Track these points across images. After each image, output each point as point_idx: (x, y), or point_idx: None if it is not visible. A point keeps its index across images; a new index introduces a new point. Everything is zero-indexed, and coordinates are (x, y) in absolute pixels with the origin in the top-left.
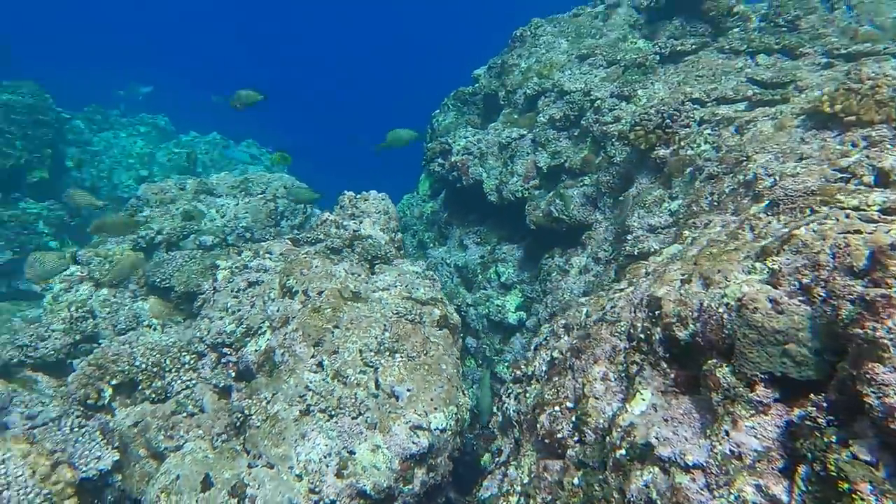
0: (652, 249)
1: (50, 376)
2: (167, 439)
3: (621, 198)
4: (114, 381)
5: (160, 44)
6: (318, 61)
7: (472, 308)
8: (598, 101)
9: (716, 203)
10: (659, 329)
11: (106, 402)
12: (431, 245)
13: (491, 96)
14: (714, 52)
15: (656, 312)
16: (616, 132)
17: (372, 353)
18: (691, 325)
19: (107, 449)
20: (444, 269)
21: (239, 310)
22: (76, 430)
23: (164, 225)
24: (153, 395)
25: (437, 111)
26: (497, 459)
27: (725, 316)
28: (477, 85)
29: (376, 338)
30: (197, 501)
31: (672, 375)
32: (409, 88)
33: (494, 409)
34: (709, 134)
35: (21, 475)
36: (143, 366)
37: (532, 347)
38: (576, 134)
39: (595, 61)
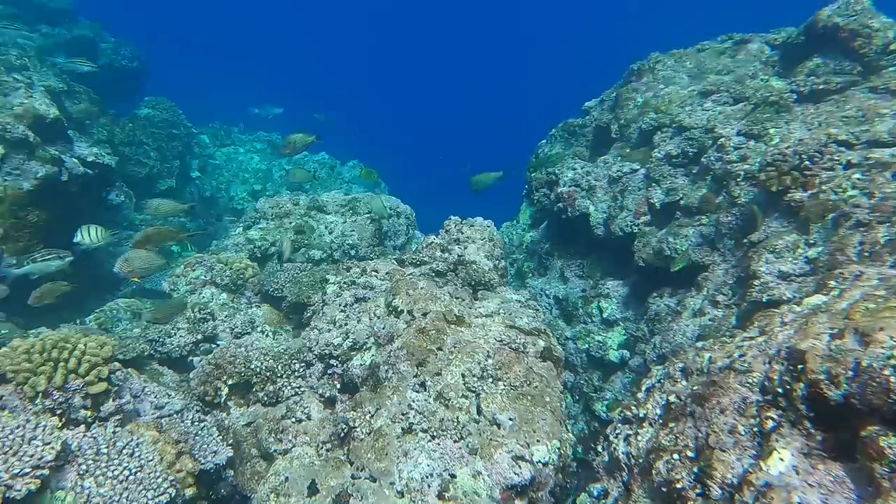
0: (784, 298)
1: (174, 371)
2: (277, 442)
3: (745, 241)
4: (230, 382)
5: (291, 67)
6: (429, 85)
7: (571, 342)
8: (723, 139)
9: (867, 253)
10: (802, 385)
11: (222, 400)
12: (531, 275)
13: (602, 129)
14: (864, 91)
15: (799, 367)
16: (742, 171)
17: (475, 379)
18: (845, 385)
19: (222, 445)
20: (544, 300)
21: (346, 324)
22: (196, 423)
23: (276, 237)
24: (265, 398)
25: (544, 141)
26: (604, 502)
27: (893, 379)
28: (587, 117)
29: (479, 363)
30: None
31: (818, 437)
32: (512, 117)
33: (600, 449)
34: (858, 178)
35: (152, 460)
36: (258, 369)
37: (643, 389)
38: (694, 171)
39: (720, 98)
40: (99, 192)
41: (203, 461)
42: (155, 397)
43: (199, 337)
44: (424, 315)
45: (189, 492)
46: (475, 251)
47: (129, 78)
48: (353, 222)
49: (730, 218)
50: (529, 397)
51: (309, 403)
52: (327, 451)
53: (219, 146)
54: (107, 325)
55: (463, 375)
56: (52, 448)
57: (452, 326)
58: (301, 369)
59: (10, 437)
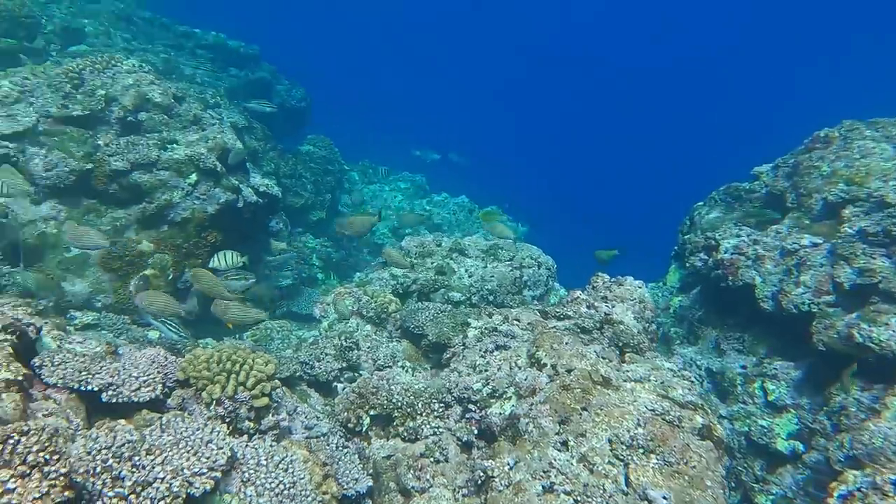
0: None
1: (319, 394)
2: (415, 479)
3: None
4: (372, 412)
5: (445, 113)
6: (580, 138)
7: (728, 421)
8: None
9: None
10: None
11: (363, 429)
12: (678, 341)
13: (775, 197)
14: None
15: None
16: None
17: (623, 447)
18: None
19: (363, 473)
20: (694, 371)
21: (486, 370)
22: (340, 448)
23: (418, 275)
24: (405, 434)
25: (701, 203)
26: None
27: None
28: (757, 182)
29: (628, 431)
30: None
31: None
32: (662, 174)
33: None
34: None
35: (303, 478)
36: (399, 404)
37: (836, 495)
38: None
39: None
40: (265, 219)
41: (346, 486)
42: (305, 417)
43: (344, 364)
44: (569, 371)
45: None
46: (623, 311)
47: (296, 117)
48: (493, 268)
49: None
50: (687, 477)
51: (447, 445)
52: (463, 496)
53: (367, 183)
54: (262, 342)
55: (610, 441)
56: (224, 453)
57: (598, 387)
58: (440, 410)
59: (192, 437)
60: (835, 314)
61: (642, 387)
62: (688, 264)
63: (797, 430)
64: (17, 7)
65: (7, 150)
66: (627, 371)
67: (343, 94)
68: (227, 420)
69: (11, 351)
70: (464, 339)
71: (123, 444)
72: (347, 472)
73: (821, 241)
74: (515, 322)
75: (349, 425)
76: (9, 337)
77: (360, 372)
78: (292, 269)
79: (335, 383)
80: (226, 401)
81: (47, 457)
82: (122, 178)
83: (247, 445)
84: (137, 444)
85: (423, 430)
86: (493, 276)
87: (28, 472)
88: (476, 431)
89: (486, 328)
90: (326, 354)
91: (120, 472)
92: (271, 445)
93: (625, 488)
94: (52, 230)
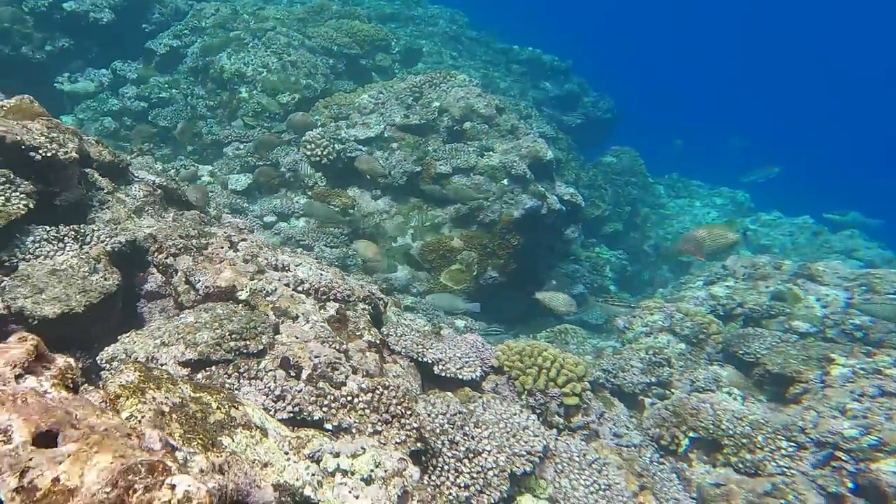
0: None
1: (623, 404)
2: None
3: None
4: (692, 434)
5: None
6: None
7: None
8: None
9: None
10: None
11: (681, 451)
12: None
13: None
14: None
15: None
16: None
17: None
18: None
19: (686, 496)
20: None
21: (865, 416)
22: (656, 464)
23: (746, 298)
24: (739, 465)
25: None
26: None
27: None
28: None
29: None
30: None
31: None
32: None
33: None
34: None
35: (619, 483)
36: (731, 432)
37: None
38: None
39: None
40: (564, 227)
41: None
42: (614, 424)
43: (653, 380)
44: None
45: None
46: None
47: (601, 127)
48: (863, 300)
49: None
50: None
51: (805, 491)
52: None
53: (674, 197)
54: (557, 345)
55: None
56: (541, 441)
57: None
58: (790, 449)
59: (510, 420)
60: None
61: None
62: None
63: None
64: (376, 32)
65: (360, 153)
66: None
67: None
68: (538, 412)
69: (369, 318)
70: (823, 377)
71: (456, 414)
72: (667, 490)
73: None
74: None
75: (661, 442)
76: (366, 307)
77: (672, 390)
78: (585, 277)
79: (641, 397)
80: (537, 393)
81: (403, 410)
82: (443, 179)
83: (557, 439)
84: (466, 416)
85: (766, 465)
86: (860, 312)
87: (390, 419)
88: (851, 486)
89: (860, 368)
90: (632, 366)
91: (454, 437)
92: (583, 444)
93: None
94: (386, 222)
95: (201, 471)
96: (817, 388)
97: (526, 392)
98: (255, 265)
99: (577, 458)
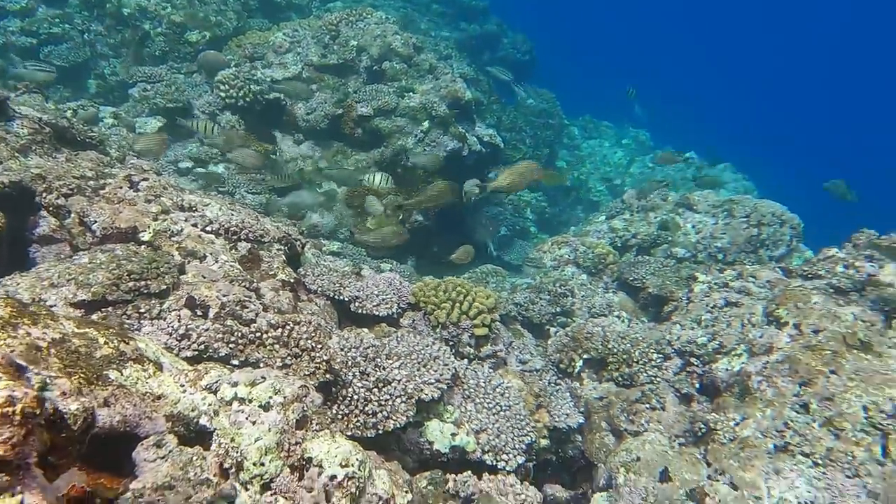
0: None
1: (532, 335)
2: (629, 422)
3: None
4: (585, 356)
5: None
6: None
7: None
8: None
9: None
10: None
11: (576, 371)
12: None
13: None
14: None
15: None
16: None
17: (884, 416)
18: None
19: (575, 410)
20: None
21: (713, 325)
22: (553, 385)
23: (639, 229)
24: (619, 379)
25: None
26: None
27: None
28: None
29: (892, 400)
30: (653, 487)
31: None
32: None
33: None
34: None
35: (518, 404)
36: (615, 350)
37: None
38: None
39: None
40: (484, 170)
41: (557, 419)
42: (520, 352)
43: (558, 310)
44: (816, 332)
45: (543, 442)
46: (894, 272)
47: (520, 69)
48: (725, 224)
49: None
50: None
51: (664, 394)
52: (680, 444)
53: (586, 138)
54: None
55: (865, 408)
56: (449, 370)
57: (854, 352)
58: (658, 360)
59: (422, 352)
60: None
61: None
62: None
63: None
64: None
65: (278, 96)
66: (894, 338)
67: (569, 49)
68: (451, 343)
69: (284, 258)
70: (688, 294)
71: (368, 347)
72: (560, 406)
73: None
74: (751, 279)
75: (561, 366)
76: (282, 247)
77: (574, 318)
78: (507, 220)
79: (548, 326)
80: (450, 326)
81: (314, 344)
82: (365, 122)
83: (468, 368)
84: (379, 349)
85: (639, 377)
86: (724, 234)
87: (300, 353)
88: (698, 386)
89: (715, 283)
90: (541, 298)
91: (366, 369)
92: (490, 371)
93: (881, 458)
94: (309, 167)
95: (63, 393)
96: (684, 304)
97: (440, 325)
98: (158, 205)
99: (483, 385)
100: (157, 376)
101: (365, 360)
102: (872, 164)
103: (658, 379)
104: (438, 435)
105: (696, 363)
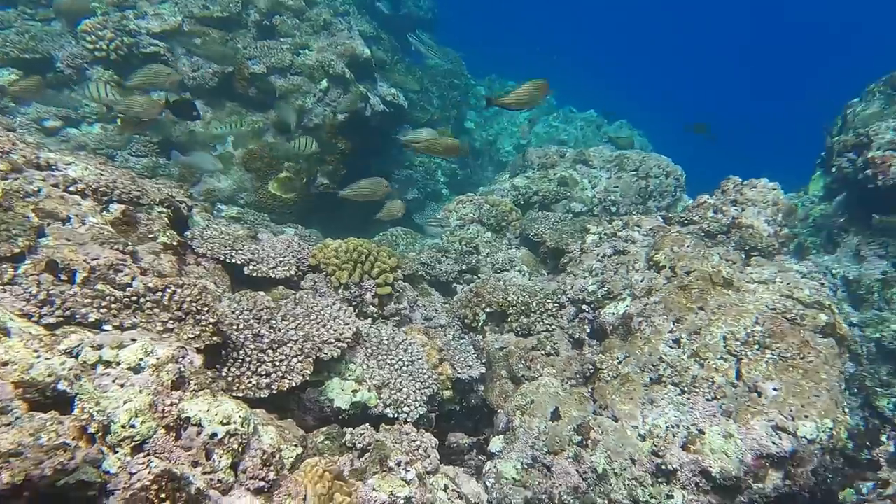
0: None
1: (440, 293)
2: (525, 369)
3: None
4: (488, 310)
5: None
6: (705, 38)
7: (858, 328)
8: None
9: None
10: None
11: (479, 325)
12: (815, 251)
13: None
14: None
15: None
16: None
17: (738, 343)
18: None
19: (477, 362)
20: (829, 280)
21: (602, 273)
22: (457, 339)
23: (540, 186)
24: (518, 329)
25: (857, 100)
26: (882, 492)
27: None
28: None
29: (745, 329)
30: (545, 426)
31: None
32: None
33: (885, 440)
34: None
35: (421, 358)
36: (514, 302)
37: None
38: None
39: None
40: (390, 131)
41: (460, 371)
42: (425, 310)
43: (464, 267)
44: (688, 273)
45: (446, 394)
46: (754, 214)
47: (424, 28)
48: (617, 178)
49: None
50: (801, 371)
51: (559, 341)
52: (571, 385)
53: None
54: (388, 246)
55: (724, 338)
56: (350, 329)
57: (718, 288)
58: (554, 309)
59: (322, 312)
60: None
61: (766, 288)
62: (833, 167)
63: None
64: None
65: (158, 49)
66: (752, 273)
67: (474, 9)
68: (354, 304)
69: (167, 221)
70: (582, 245)
71: (262, 309)
72: (462, 358)
73: None
74: (636, 228)
75: (466, 321)
76: (165, 210)
77: (479, 275)
78: (418, 183)
79: (455, 284)
80: (352, 286)
81: (199, 307)
82: (259, 81)
83: (371, 326)
84: (274, 311)
85: (536, 326)
86: (616, 187)
87: (183, 317)
88: (588, 330)
89: (605, 234)
90: (447, 258)
91: (259, 331)
92: (393, 329)
93: (735, 381)
94: (200, 129)
95: None
96: (577, 255)
97: (342, 286)
98: (7, 163)
99: (386, 342)
100: (1, 342)
101: (259, 322)
102: (749, 121)
103: (553, 327)
104: (339, 392)
105: (587, 310)
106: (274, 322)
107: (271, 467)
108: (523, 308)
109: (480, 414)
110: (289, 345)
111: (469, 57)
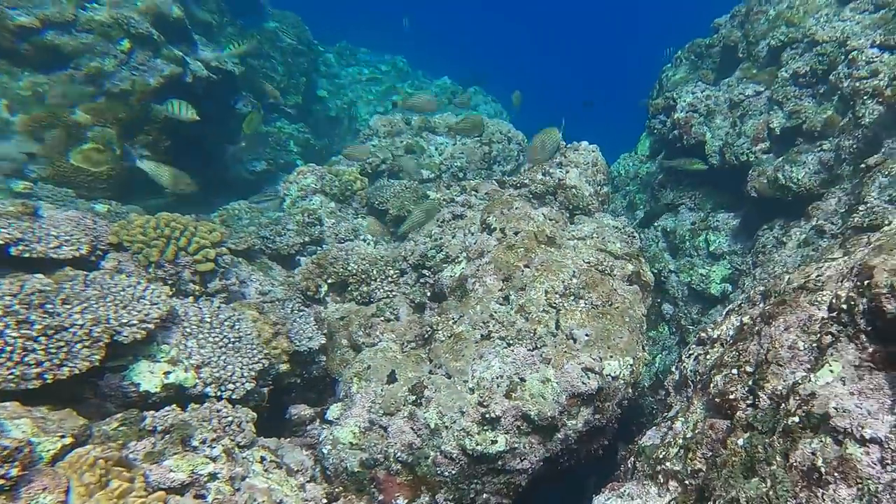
0: (887, 222)
1: (282, 267)
2: (366, 336)
3: (862, 165)
4: (330, 280)
5: None
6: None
7: (675, 275)
8: (854, 53)
9: None
10: (865, 300)
11: (321, 295)
12: (642, 206)
13: (729, 48)
14: None
15: (865, 282)
16: (870, 88)
17: (557, 296)
18: None
19: (317, 333)
20: (652, 233)
21: (441, 238)
22: (296, 311)
23: (388, 155)
24: (359, 298)
25: (669, 65)
26: (666, 414)
27: None
28: (715, 36)
29: (563, 282)
30: (382, 390)
31: (870, 350)
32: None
33: (672, 370)
34: None
35: (250, 334)
36: (354, 271)
37: (724, 313)
38: (821, 92)
39: (859, 5)
40: (226, 100)
41: (298, 343)
42: (260, 284)
43: (307, 239)
44: (516, 234)
45: (283, 367)
46: (577, 176)
47: None
48: (462, 145)
49: (850, 141)
50: (609, 316)
51: (399, 306)
52: (411, 348)
53: (344, 66)
54: (228, 222)
55: (546, 292)
56: (159, 308)
57: (542, 246)
58: (395, 276)
59: (122, 293)
60: (767, 161)
61: (584, 244)
62: (653, 128)
63: (729, 273)
64: None
65: None
66: (573, 231)
67: None
68: (170, 283)
69: None
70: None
71: (33, 293)
72: (302, 330)
73: (763, 89)
74: (473, 193)
75: (308, 293)
76: None
77: (323, 246)
78: (267, 154)
79: (298, 257)
80: (166, 264)
81: None
82: (32, 36)
83: (191, 305)
84: (51, 295)
85: (376, 293)
86: (462, 154)
87: None
88: (429, 294)
89: (444, 199)
90: (288, 230)
91: (28, 317)
92: (219, 307)
93: (554, 331)
94: None
95: None
96: None
97: (154, 265)
98: None
99: (209, 319)
100: None
101: (28, 308)
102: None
103: (394, 293)
104: (148, 376)
105: (427, 274)
106: (50, 307)
107: (14, 463)
108: (363, 276)
109: (323, 384)
110: (71, 329)
111: (315, 22)
